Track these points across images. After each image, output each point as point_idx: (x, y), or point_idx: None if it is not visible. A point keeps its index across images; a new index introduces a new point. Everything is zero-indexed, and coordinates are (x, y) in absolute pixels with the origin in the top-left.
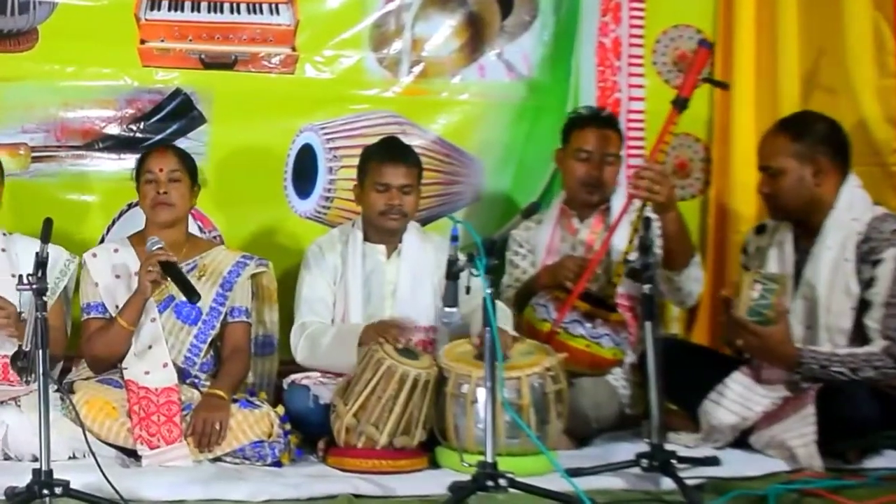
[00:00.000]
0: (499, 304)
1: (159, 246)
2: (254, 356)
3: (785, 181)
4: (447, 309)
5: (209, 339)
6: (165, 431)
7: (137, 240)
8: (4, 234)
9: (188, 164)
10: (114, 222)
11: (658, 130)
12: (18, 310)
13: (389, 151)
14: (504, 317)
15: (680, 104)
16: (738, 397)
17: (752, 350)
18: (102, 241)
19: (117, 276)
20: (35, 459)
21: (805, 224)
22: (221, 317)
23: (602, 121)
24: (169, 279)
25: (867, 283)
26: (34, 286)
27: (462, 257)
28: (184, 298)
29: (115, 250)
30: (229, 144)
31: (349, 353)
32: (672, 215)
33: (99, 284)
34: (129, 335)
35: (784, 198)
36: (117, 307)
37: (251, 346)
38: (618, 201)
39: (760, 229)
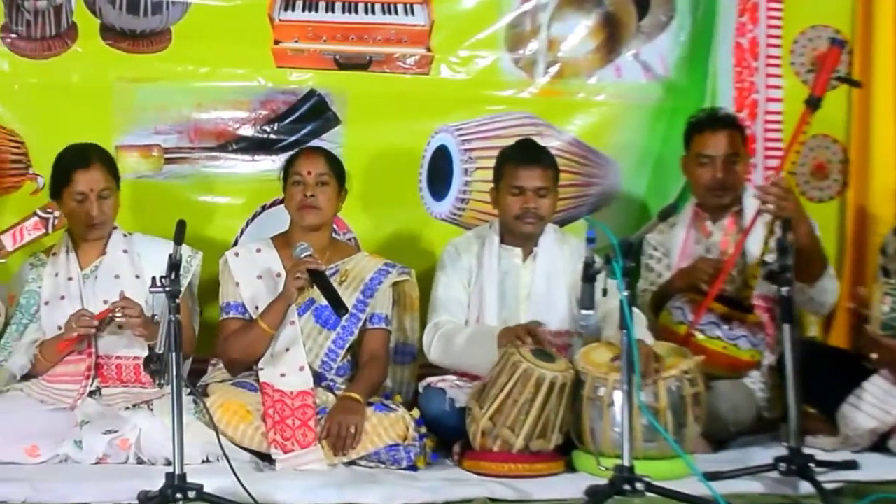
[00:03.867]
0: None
1: (308, 253)
2: (392, 364)
3: None
4: (584, 312)
5: (347, 345)
6: (300, 435)
7: (281, 241)
8: (125, 235)
9: (337, 167)
10: (247, 224)
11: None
12: (146, 311)
13: (525, 153)
14: (637, 321)
15: (813, 103)
16: (876, 401)
17: (887, 364)
18: (236, 243)
19: (259, 277)
20: (168, 463)
21: None
22: (361, 323)
23: (720, 122)
24: (315, 287)
25: None
26: (167, 289)
27: (598, 259)
28: (324, 302)
29: (258, 250)
30: (364, 146)
31: (486, 354)
32: (803, 229)
33: (240, 284)
34: (269, 338)
35: None
36: (257, 308)
37: (390, 354)
38: (750, 200)
39: None
